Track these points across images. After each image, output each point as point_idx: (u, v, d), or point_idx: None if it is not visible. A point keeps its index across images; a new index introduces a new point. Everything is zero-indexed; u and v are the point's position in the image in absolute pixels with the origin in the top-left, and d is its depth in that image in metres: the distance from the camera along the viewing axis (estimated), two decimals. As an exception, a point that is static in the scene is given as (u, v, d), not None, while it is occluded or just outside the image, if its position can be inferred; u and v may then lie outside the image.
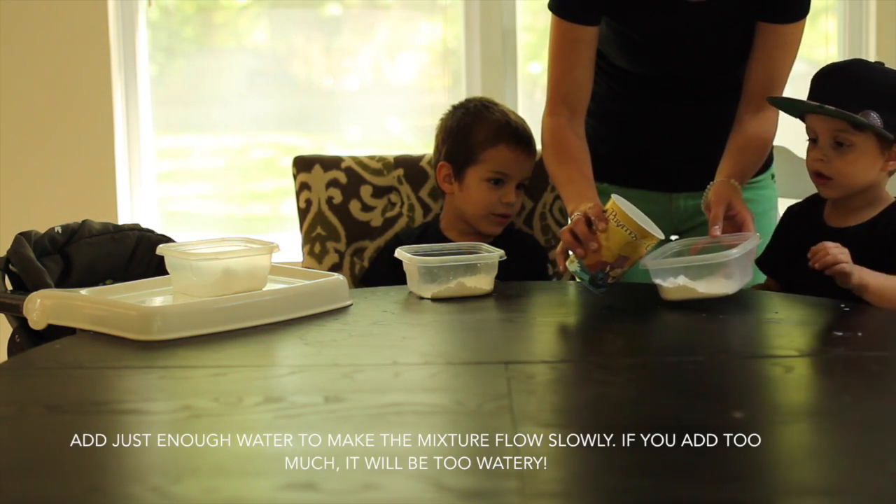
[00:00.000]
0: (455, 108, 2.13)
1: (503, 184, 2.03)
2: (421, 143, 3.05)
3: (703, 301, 1.59)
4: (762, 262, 1.80)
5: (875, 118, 1.63)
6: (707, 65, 1.91)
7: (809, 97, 1.72)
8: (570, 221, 1.69)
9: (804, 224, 1.74)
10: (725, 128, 1.89)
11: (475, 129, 2.06)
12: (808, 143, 1.73)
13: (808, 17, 1.85)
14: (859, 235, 1.68)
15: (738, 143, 1.84)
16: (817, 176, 1.71)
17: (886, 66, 1.73)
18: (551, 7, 1.87)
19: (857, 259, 1.60)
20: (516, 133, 2.04)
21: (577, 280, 1.67)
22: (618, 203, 1.63)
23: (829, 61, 1.83)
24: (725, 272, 1.59)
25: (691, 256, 1.65)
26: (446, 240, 2.05)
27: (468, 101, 2.14)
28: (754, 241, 1.64)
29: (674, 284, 1.61)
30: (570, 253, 1.65)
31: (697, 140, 1.95)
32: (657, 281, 1.63)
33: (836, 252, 1.56)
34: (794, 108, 1.74)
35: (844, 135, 1.66)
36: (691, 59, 1.89)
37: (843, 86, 1.68)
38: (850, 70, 1.72)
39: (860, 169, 1.67)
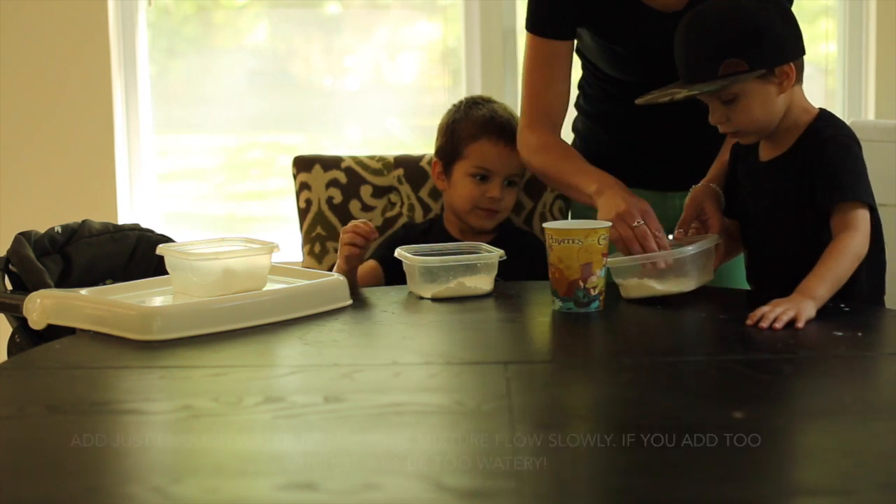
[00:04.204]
0: (452, 105, 2.15)
1: (488, 179, 2.04)
2: (421, 143, 3.05)
3: (702, 301, 1.59)
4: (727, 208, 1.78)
5: (741, 64, 1.58)
6: None
7: (675, 58, 1.66)
8: (606, 204, 1.70)
9: (745, 159, 1.71)
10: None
11: (460, 125, 2.08)
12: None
13: (808, 16, 1.84)
14: (787, 164, 1.66)
15: (728, 147, 1.84)
16: (727, 134, 1.69)
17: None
18: (528, 27, 1.90)
19: (790, 188, 1.59)
20: (499, 128, 2.05)
21: (565, 310, 1.59)
22: (551, 227, 1.61)
23: (829, 60, 1.81)
24: (682, 270, 1.61)
25: (647, 254, 1.64)
26: (449, 235, 2.07)
27: (464, 98, 2.16)
28: (712, 242, 1.66)
29: (632, 282, 1.63)
30: (555, 298, 1.61)
31: (691, 140, 1.95)
32: (617, 280, 1.65)
33: (770, 313, 1.46)
34: (662, 101, 1.70)
35: (726, 92, 1.62)
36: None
37: (698, 43, 1.62)
38: (699, 23, 1.64)
39: (759, 110, 1.63)
